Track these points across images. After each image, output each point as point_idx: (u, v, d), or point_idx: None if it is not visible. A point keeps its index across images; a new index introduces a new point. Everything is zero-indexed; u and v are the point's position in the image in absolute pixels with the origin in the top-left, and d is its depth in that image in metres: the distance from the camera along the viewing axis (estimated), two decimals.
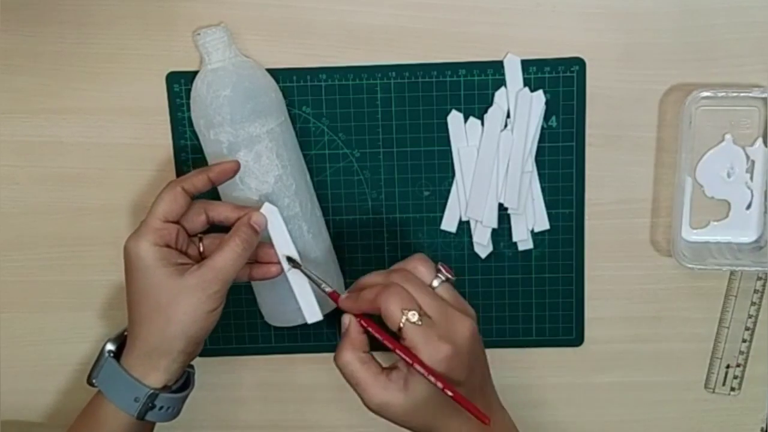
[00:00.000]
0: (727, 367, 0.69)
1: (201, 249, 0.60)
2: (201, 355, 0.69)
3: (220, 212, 0.59)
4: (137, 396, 0.56)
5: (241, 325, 0.69)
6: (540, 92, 0.65)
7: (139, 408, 0.56)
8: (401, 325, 0.52)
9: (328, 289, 0.59)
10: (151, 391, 0.56)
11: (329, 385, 0.70)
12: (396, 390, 0.54)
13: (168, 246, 0.57)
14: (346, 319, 0.56)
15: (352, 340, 0.56)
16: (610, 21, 0.64)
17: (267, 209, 0.59)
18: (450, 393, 0.53)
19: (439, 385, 0.52)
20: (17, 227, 0.68)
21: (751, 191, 0.66)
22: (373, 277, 0.57)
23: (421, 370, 0.52)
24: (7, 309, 0.69)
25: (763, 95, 0.63)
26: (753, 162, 0.66)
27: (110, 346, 0.59)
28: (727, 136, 0.65)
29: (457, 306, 0.55)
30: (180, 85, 0.65)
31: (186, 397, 0.60)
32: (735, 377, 0.69)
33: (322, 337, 0.69)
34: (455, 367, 0.53)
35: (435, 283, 0.56)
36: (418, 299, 0.54)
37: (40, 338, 0.70)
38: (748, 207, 0.66)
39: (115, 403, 0.56)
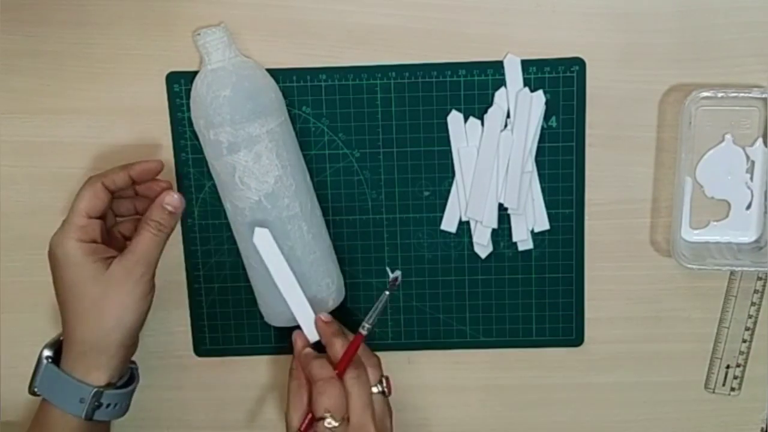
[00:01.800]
0: (727, 367, 0.69)
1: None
2: (201, 355, 0.69)
3: (116, 182, 0.59)
4: (82, 397, 0.56)
5: (241, 325, 0.69)
6: (540, 92, 0.65)
7: (86, 408, 0.56)
8: (319, 421, 0.57)
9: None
10: (96, 390, 0.56)
11: None
12: None
13: (94, 241, 0.57)
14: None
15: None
16: (610, 21, 0.64)
17: (258, 234, 0.60)
18: None
19: None
20: (17, 227, 0.68)
21: (751, 191, 0.66)
22: (339, 347, 0.60)
23: None
24: (7, 309, 0.69)
25: (763, 95, 0.63)
26: (753, 162, 0.66)
27: (47, 352, 0.58)
28: (727, 137, 0.65)
29: (378, 424, 0.59)
30: (180, 85, 0.65)
31: (132, 391, 0.60)
32: (735, 377, 0.69)
33: None
34: None
35: (374, 390, 0.60)
36: (352, 404, 0.58)
37: (40, 338, 0.70)
38: (748, 207, 0.66)
39: (60, 407, 0.56)
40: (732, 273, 0.67)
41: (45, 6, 0.64)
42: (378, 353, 0.66)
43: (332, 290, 0.64)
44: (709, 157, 0.66)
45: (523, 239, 0.67)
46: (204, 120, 0.61)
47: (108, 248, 0.58)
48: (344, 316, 0.68)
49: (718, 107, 0.65)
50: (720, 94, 0.62)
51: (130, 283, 0.56)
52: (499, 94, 0.65)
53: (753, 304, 0.67)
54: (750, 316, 0.67)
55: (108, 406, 0.57)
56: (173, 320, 0.67)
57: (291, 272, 0.61)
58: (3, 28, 0.65)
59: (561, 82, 0.65)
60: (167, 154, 0.66)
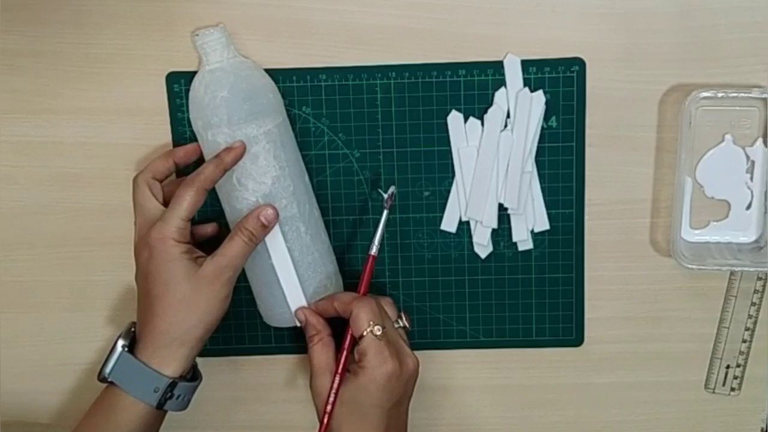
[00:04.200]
0: (727, 367, 0.69)
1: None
2: (201, 355, 0.69)
3: (214, 181, 0.61)
4: (157, 386, 0.58)
5: (241, 325, 0.69)
6: (540, 92, 0.64)
7: (159, 397, 0.58)
8: (364, 333, 0.59)
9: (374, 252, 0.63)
10: (171, 380, 0.59)
11: None
12: (344, 387, 0.61)
13: (188, 242, 0.60)
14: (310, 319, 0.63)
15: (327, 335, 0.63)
16: (610, 21, 0.64)
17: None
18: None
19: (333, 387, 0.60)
20: (17, 227, 0.68)
21: (751, 191, 0.66)
22: (349, 293, 0.63)
23: (336, 379, 0.60)
24: (7, 309, 0.69)
25: (763, 96, 0.63)
26: (753, 162, 0.66)
27: (122, 341, 0.60)
28: (727, 137, 0.65)
29: (407, 345, 0.62)
30: (180, 85, 0.65)
31: (197, 386, 0.63)
32: (735, 377, 0.69)
33: None
34: (392, 388, 0.59)
35: (394, 325, 0.62)
36: (384, 322, 0.60)
37: (40, 338, 0.70)
38: (748, 207, 0.66)
39: (133, 395, 0.58)
40: (732, 273, 0.67)
41: (45, 6, 0.64)
42: None
43: (330, 291, 0.64)
44: (709, 158, 0.66)
45: (523, 239, 0.67)
46: (202, 121, 0.61)
47: (197, 249, 0.61)
48: None
49: (718, 107, 0.65)
50: (720, 95, 0.62)
51: (218, 284, 0.59)
52: (499, 94, 0.65)
53: (753, 304, 0.67)
54: (750, 316, 0.67)
55: (178, 397, 0.60)
56: None
57: (290, 260, 0.62)
58: (3, 28, 0.65)
59: (561, 82, 0.65)
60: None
